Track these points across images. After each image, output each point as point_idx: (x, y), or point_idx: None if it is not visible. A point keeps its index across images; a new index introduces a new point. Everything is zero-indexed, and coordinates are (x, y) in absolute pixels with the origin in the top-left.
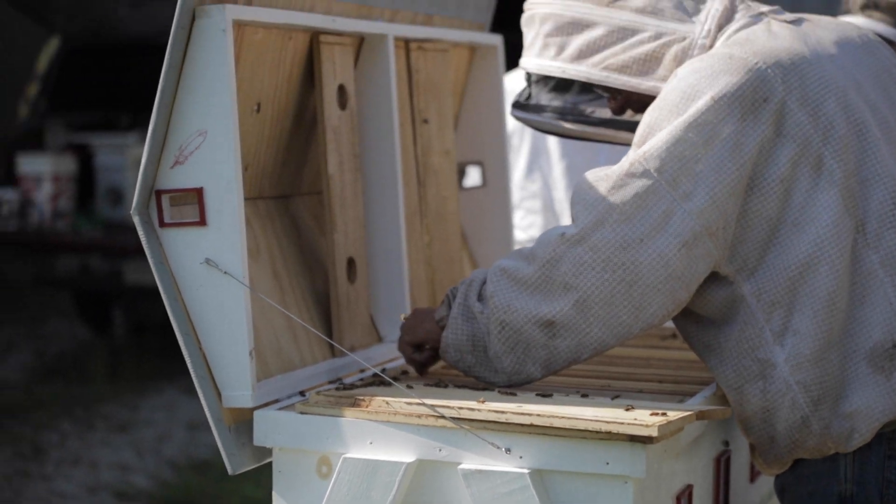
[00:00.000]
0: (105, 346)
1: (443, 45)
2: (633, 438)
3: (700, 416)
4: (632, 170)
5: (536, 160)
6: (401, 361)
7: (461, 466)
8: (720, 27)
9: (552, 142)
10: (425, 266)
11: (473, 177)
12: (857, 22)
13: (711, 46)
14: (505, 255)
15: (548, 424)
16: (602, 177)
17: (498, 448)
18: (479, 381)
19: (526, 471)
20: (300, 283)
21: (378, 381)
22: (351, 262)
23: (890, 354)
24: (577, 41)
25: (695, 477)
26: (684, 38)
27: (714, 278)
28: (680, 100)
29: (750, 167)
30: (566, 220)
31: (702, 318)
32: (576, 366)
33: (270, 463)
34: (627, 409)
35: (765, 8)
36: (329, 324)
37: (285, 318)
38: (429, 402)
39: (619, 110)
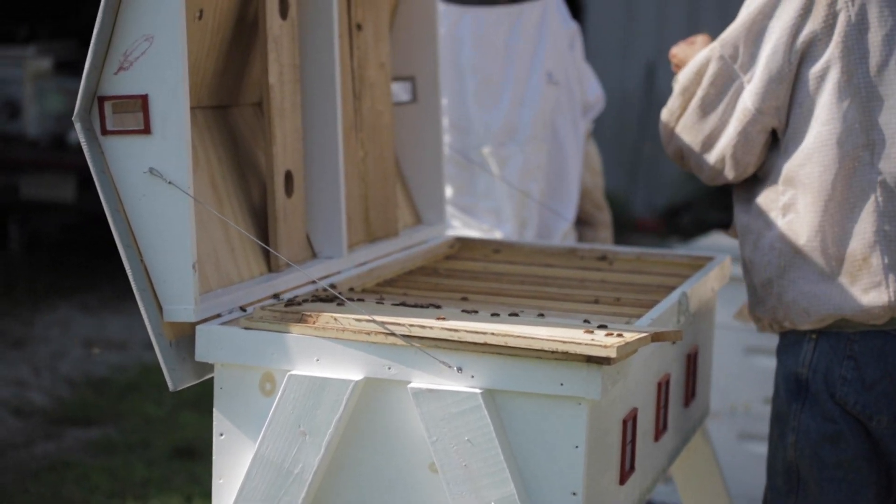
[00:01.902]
0: (0, 261)
1: None
2: (590, 359)
3: (655, 338)
4: (711, 53)
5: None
6: (344, 276)
7: (411, 385)
8: None
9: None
10: (359, 182)
11: (404, 91)
12: None
13: None
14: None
15: (502, 343)
16: (691, 64)
17: (449, 367)
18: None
19: (478, 390)
20: (237, 195)
21: (324, 297)
22: (289, 176)
23: (859, 265)
24: None
25: (639, 400)
26: None
27: (774, 141)
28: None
29: (799, 56)
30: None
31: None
32: (512, 286)
33: (181, 383)
34: (586, 331)
35: None
36: (266, 238)
37: (223, 232)
38: (379, 318)
39: None
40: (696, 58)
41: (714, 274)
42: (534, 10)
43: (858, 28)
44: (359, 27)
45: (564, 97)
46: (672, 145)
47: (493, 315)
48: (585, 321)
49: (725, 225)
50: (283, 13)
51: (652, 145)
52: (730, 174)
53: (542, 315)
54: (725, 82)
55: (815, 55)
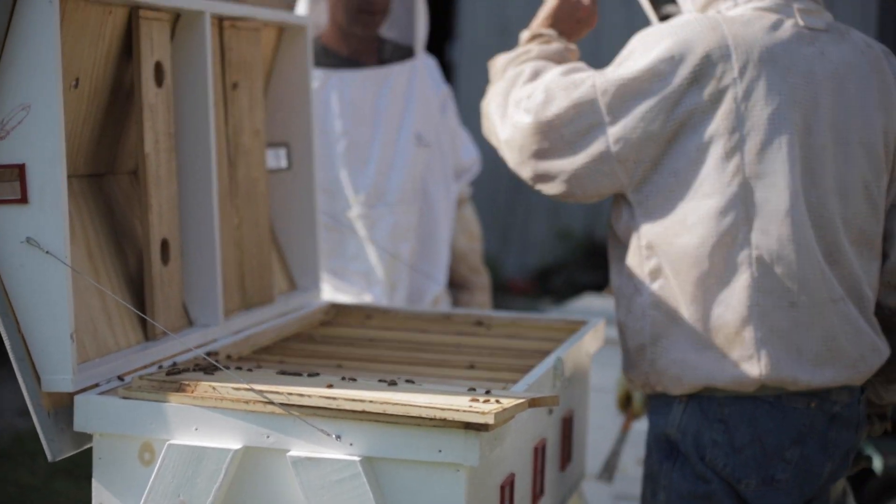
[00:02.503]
0: None
1: (255, 23)
2: (468, 426)
3: (532, 403)
4: (587, 80)
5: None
6: (221, 344)
7: (290, 453)
8: None
9: (333, 120)
10: (235, 249)
11: (279, 158)
12: None
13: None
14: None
15: (381, 411)
16: (570, 77)
17: (328, 434)
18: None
19: (357, 458)
20: (114, 263)
21: (202, 366)
22: (165, 244)
23: (732, 338)
24: None
25: (516, 465)
26: None
27: (624, 199)
28: (656, 42)
29: (677, 124)
30: (345, 200)
31: (615, 232)
32: (388, 352)
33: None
34: (464, 398)
35: (803, 4)
36: (143, 306)
37: (101, 300)
38: (257, 387)
39: None
40: (570, 74)
41: (588, 338)
42: (402, 71)
43: (745, 105)
44: (234, 86)
45: (435, 159)
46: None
47: (378, 381)
48: (471, 389)
49: (598, 286)
50: (159, 81)
51: (523, 207)
52: (554, 189)
53: (410, 381)
54: (589, 113)
55: (698, 127)
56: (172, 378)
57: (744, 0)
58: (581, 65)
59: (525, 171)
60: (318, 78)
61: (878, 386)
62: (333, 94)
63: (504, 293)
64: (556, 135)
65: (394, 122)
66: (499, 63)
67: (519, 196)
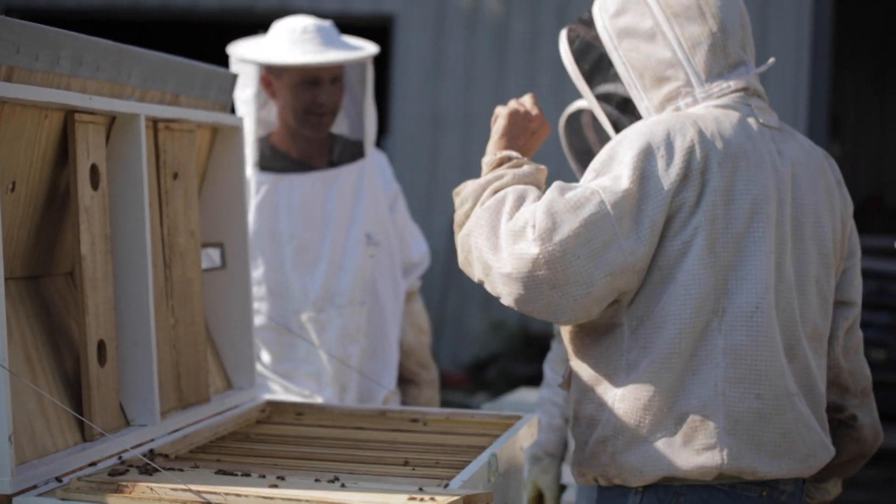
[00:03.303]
0: None
1: (189, 125)
2: None
3: (467, 500)
4: (592, 196)
5: (259, 243)
6: (158, 443)
7: None
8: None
9: (283, 223)
10: (171, 349)
11: (213, 258)
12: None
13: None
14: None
15: None
16: (569, 196)
17: None
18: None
19: None
20: (51, 365)
21: (140, 466)
22: (101, 345)
23: (696, 426)
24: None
25: None
26: (689, 93)
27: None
28: (640, 143)
29: (668, 220)
30: (295, 302)
31: (591, 326)
32: (324, 450)
33: None
34: (398, 494)
35: (757, 102)
36: (80, 407)
37: (38, 402)
38: (195, 487)
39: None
40: (570, 192)
41: (523, 433)
42: (351, 172)
43: (724, 197)
44: (174, 176)
45: (385, 258)
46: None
47: (315, 481)
48: (421, 489)
49: (532, 378)
50: (94, 184)
51: (457, 299)
52: (568, 316)
53: (345, 481)
54: (602, 229)
55: (682, 221)
56: (110, 479)
57: (703, 97)
58: (563, 183)
59: (534, 305)
60: (268, 181)
61: (810, 485)
62: (283, 197)
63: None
64: (571, 258)
65: (343, 224)
66: (467, 190)
67: (452, 288)
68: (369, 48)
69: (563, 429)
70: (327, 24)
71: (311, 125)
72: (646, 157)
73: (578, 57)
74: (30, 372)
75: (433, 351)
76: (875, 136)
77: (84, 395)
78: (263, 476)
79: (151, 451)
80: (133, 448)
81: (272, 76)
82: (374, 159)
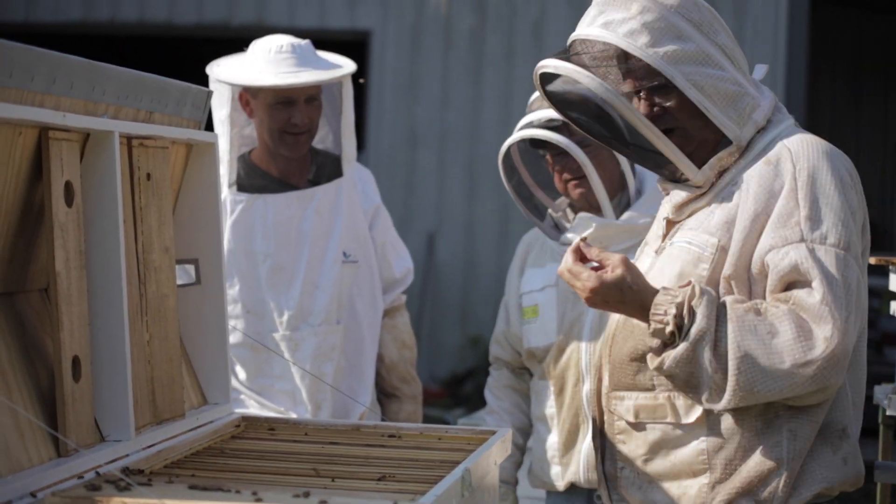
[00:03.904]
0: None
1: (163, 141)
2: None
3: None
4: (844, 255)
5: (235, 261)
6: (133, 459)
7: None
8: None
9: (258, 242)
10: (145, 364)
11: (188, 274)
12: (553, 114)
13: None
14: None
15: None
16: (821, 281)
17: None
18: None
19: None
20: (25, 380)
21: (113, 481)
22: (76, 361)
23: (840, 435)
24: (672, 46)
25: None
26: (757, 106)
27: None
28: (837, 180)
29: None
30: (270, 321)
31: None
32: (299, 465)
33: None
34: None
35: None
36: (54, 423)
37: (12, 418)
38: (168, 502)
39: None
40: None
41: (497, 447)
42: (328, 191)
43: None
44: (143, 205)
45: (363, 276)
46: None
47: (293, 496)
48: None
49: None
50: (69, 200)
51: (433, 314)
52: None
53: (309, 494)
54: (859, 272)
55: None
56: (85, 494)
57: (768, 107)
58: (828, 271)
59: (841, 377)
60: (243, 201)
61: None
62: (258, 216)
63: None
64: (861, 311)
65: (320, 243)
66: (679, 356)
67: (429, 303)
68: (346, 66)
69: (514, 455)
70: (304, 43)
71: (287, 145)
72: (846, 190)
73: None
74: (5, 387)
75: None
76: (850, 145)
77: (59, 410)
78: (238, 491)
79: (126, 466)
80: (108, 463)
81: (249, 95)
82: (357, 175)
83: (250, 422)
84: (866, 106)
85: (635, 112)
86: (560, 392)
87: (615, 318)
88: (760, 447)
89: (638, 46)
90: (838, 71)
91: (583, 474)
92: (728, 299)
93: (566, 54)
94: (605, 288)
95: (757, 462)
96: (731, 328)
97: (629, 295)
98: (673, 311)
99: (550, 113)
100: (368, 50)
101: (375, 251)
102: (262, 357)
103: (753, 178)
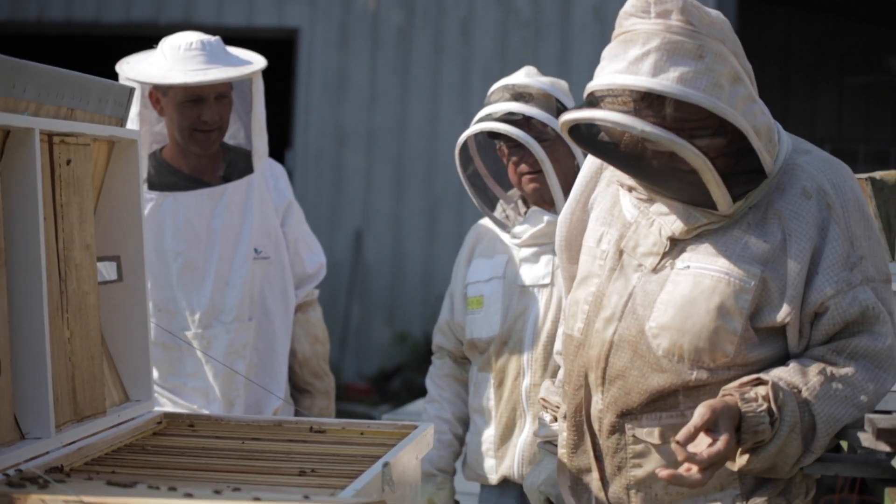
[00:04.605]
0: None
1: (84, 138)
2: None
3: None
4: (883, 299)
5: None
6: (53, 456)
7: None
8: None
9: (168, 240)
10: (66, 362)
11: (109, 271)
12: (512, 107)
13: None
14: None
15: None
16: (887, 320)
17: None
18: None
19: None
20: None
21: (33, 479)
22: None
23: None
24: (734, 88)
25: None
26: (774, 133)
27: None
28: (867, 207)
29: None
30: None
31: None
32: (220, 461)
33: None
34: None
35: None
36: None
37: None
38: (86, 499)
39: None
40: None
41: (418, 442)
42: (238, 188)
43: None
44: (64, 202)
45: (275, 272)
46: None
47: (215, 492)
48: (306, 497)
49: None
50: None
51: (361, 311)
52: None
53: (237, 489)
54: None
55: None
56: (4, 492)
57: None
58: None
59: None
60: (154, 199)
61: None
62: (168, 214)
63: (343, 397)
64: None
65: (231, 240)
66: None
67: (356, 300)
68: (256, 63)
69: (453, 445)
70: (214, 39)
71: (197, 142)
72: (868, 215)
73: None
74: None
75: (338, 363)
76: None
77: None
78: (158, 487)
79: (46, 464)
80: (27, 461)
81: (159, 93)
82: (269, 171)
83: (172, 418)
84: (794, 102)
85: (694, 150)
86: (500, 385)
87: (605, 337)
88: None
89: (718, 105)
90: (767, 67)
91: (517, 469)
92: (801, 379)
93: (594, 99)
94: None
95: None
96: (819, 408)
97: (729, 421)
98: (766, 420)
99: (510, 105)
100: (296, 48)
101: (287, 247)
102: (174, 355)
103: (796, 213)
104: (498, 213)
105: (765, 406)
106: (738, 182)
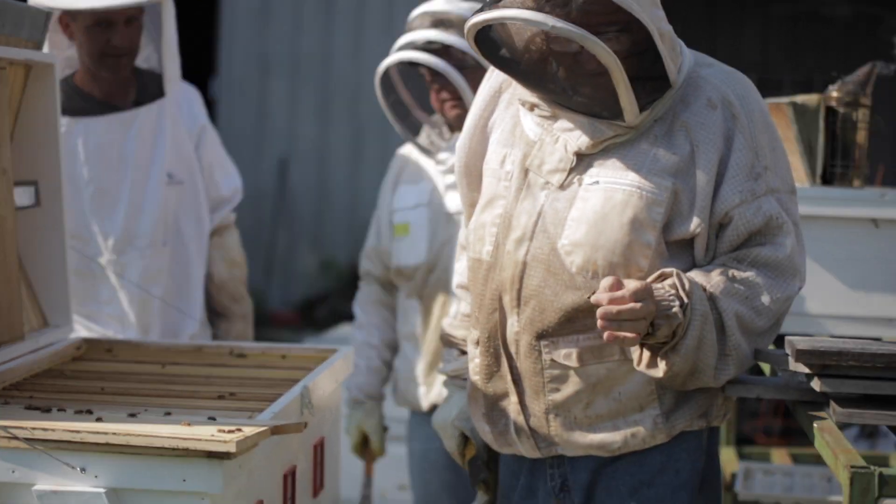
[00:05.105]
0: None
1: (0, 62)
2: (211, 455)
3: (275, 431)
4: (797, 202)
5: None
6: None
7: (35, 487)
8: None
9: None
10: None
11: (27, 196)
12: (431, 35)
13: None
14: (730, 293)
15: (124, 443)
16: (790, 230)
17: (72, 468)
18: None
19: (102, 490)
20: None
21: None
22: None
23: None
24: None
25: (265, 493)
26: (677, 44)
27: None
28: (771, 119)
29: None
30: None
31: None
32: (139, 385)
33: None
34: (206, 427)
35: None
36: None
37: None
38: (2, 422)
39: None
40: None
41: (338, 366)
42: (150, 112)
43: None
44: None
45: (188, 197)
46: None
47: (129, 415)
48: (211, 419)
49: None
50: None
51: (287, 239)
52: None
53: (168, 413)
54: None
55: None
56: None
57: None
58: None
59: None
60: (63, 125)
61: None
62: (79, 140)
63: (268, 325)
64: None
65: (143, 165)
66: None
67: (282, 228)
68: None
69: (381, 371)
70: None
71: (107, 67)
72: (774, 131)
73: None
74: None
75: (263, 290)
76: None
77: None
78: (77, 412)
79: None
80: None
81: (69, 18)
82: (183, 96)
83: (91, 344)
84: (720, 31)
85: (604, 46)
86: (427, 312)
87: (518, 258)
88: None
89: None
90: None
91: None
92: (705, 278)
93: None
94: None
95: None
96: (724, 304)
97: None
98: (676, 304)
99: (429, 33)
100: None
101: (202, 171)
102: (89, 282)
103: (702, 124)
104: (423, 139)
105: (674, 292)
106: (644, 90)
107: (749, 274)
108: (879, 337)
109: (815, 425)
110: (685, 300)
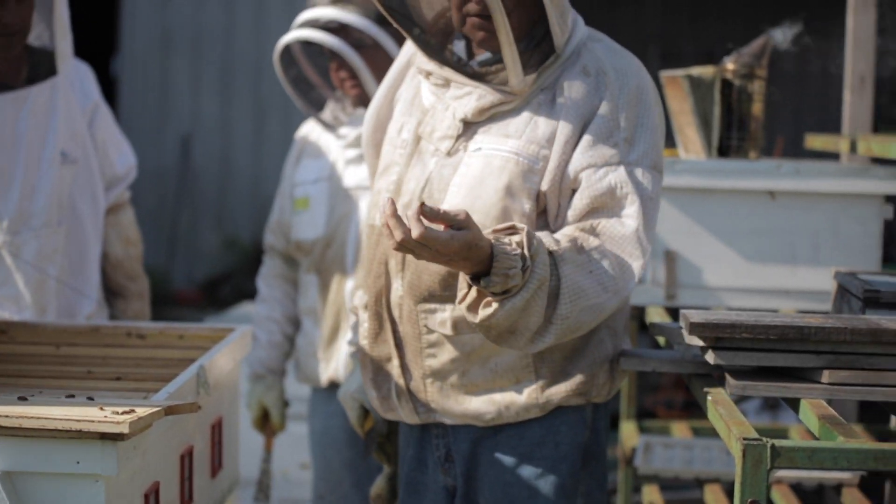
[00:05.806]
0: None
1: None
2: (104, 436)
3: (169, 411)
4: (657, 181)
5: None
6: None
7: None
8: None
9: None
10: None
11: None
12: (329, 14)
13: None
14: (573, 262)
15: (17, 425)
16: (635, 203)
17: None
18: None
19: None
20: None
21: None
22: None
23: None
24: None
25: (161, 474)
26: (570, 10)
27: None
28: (654, 99)
29: None
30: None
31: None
32: (35, 366)
33: None
34: (100, 408)
35: None
36: None
37: None
38: None
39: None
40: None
41: (235, 344)
42: (42, 91)
43: None
44: None
45: (83, 175)
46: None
47: (19, 398)
48: (89, 398)
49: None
50: None
51: (190, 217)
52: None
53: (71, 396)
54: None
55: None
56: None
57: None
58: (643, 189)
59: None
60: None
61: None
62: None
63: (171, 304)
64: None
65: (36, 144)
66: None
67: (185, 206)
68: None
69: (282, 345)
70: None
71: None
72: (658, 108)
73: None
74: None
75: (166, 269)
76: None
77: None
78: None
79: None
80: None
81: None
82: (75, 73)
83: None
84: (621, 6)
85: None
86: (325, 287)
87: None
88: (587, 348)
89: None
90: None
91: (342, 371)
92: (553, 242)
93: None
94: (462, 247)
95: (587, 363)
96: (566, 271)
97: (474, 252)
98: (518, 265)
99: (327, 12)
100: None
101: (96, 149)
102: None
103: (573, 89)
104: (326, 114)
105: (518, 252)
106: (532, 57)
107: (595, 245)
108: (776, 309)
109: (708, 398)
110: (528, 261)
